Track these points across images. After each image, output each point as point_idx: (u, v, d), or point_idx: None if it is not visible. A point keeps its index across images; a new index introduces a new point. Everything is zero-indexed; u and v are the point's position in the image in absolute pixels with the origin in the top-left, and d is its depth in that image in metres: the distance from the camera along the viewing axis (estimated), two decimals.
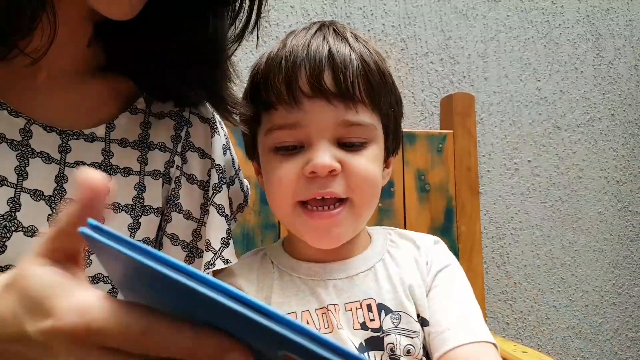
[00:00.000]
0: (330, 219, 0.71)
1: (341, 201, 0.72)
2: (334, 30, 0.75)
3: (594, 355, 1.68)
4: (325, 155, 0.69)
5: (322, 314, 0.71)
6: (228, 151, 0.81)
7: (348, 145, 0.71)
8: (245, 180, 0.87)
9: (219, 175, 0.76)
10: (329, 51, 0.70)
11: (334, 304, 0.72)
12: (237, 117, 0.74)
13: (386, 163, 0.80)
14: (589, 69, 1.70)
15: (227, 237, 0.75)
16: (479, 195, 1.24)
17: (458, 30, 1.58)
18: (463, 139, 1.25)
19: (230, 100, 0.73)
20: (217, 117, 0.80)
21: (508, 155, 1.62)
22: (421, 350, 0.71)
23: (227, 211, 0.77)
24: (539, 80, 1.65)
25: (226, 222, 0.76)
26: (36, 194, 0.62)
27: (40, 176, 0.63)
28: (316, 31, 0.75)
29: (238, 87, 0.76)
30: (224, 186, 0.76)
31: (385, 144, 0.77)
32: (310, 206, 0.72)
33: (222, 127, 0.82)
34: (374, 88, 0.72)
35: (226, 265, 0.74)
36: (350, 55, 0.71)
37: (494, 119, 1.61)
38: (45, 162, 0.63)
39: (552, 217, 1.66)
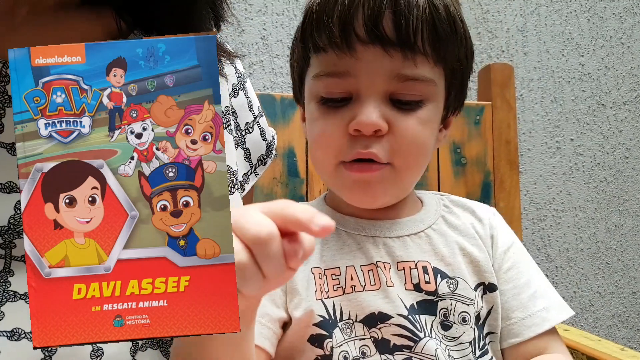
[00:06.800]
0: (371, 173, 0.65)
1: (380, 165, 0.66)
2: None
3: None
4: (372, 113, 0.62)
5: (369, 270, 0.66)
6: (241, 92, 0.74)
7: (400, 103, 0.64)
8: (270, 128, 0.81)
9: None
10: None
11: (384, 262, 0.67)
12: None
13: (444, 123, 0.73)
14: (636, 44, 1.61)
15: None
16: (518, 170, 1.18)
17: (496, 4, 1.51)
18: (502, 111, 1.18)
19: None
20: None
21: (549, 133, 1.54)
22: (474, 320, 0.66)
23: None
24: (582, 56, 1.57)
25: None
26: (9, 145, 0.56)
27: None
28: None
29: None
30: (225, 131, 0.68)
31: (445, 102, 0.69)
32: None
33: (227, 66, 0.74)
34: (440, 38, 0.64)
35: None
36: None
37: (535, 95, 1.53)
38: None
39: (597, 199, 1.58)
